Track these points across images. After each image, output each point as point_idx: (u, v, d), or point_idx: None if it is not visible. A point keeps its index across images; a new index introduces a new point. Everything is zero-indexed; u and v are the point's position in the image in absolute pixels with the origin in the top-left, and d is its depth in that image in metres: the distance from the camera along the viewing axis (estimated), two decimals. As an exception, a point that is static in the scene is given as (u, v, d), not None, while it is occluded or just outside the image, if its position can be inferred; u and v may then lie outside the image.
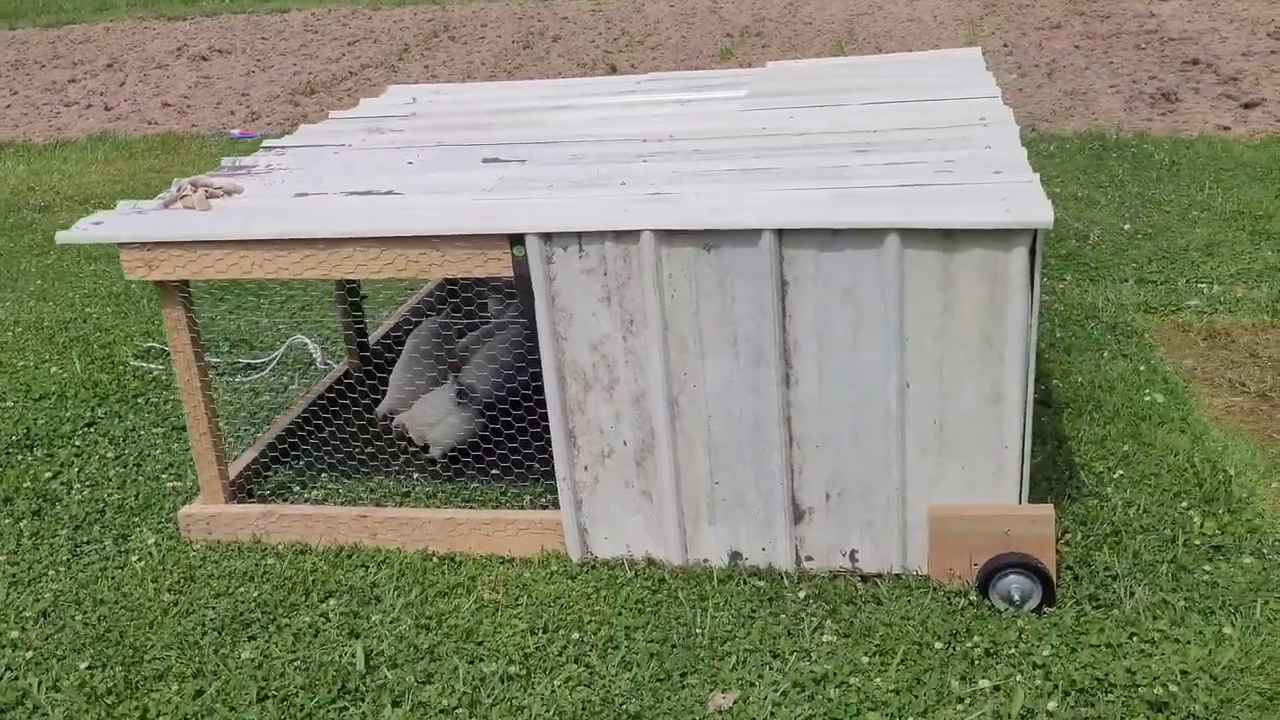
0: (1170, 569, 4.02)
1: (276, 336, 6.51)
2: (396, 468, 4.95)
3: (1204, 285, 6.48)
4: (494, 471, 4.81)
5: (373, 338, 6.09)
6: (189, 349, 4.37)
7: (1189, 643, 3.66)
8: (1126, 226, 7.48)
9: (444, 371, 5.16)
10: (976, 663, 3.64)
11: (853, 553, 4.12)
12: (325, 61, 15.86)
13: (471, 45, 16.38)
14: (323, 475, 4.92)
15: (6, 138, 12.89)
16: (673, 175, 4.35)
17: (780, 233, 3.76)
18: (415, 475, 4.90)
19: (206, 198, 4.43)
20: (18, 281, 7.84)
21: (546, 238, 3.91)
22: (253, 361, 6.24)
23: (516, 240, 3.94)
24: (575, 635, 3.87)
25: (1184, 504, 4.39)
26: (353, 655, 3.80)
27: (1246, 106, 10.53)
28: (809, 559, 4.16)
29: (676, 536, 4.19)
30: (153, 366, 6.19)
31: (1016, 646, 3.69)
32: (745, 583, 4.09)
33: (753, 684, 3.61)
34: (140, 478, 5.06)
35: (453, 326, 5.60)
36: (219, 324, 6.74)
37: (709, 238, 3.82)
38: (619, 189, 4.23)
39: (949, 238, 3.69)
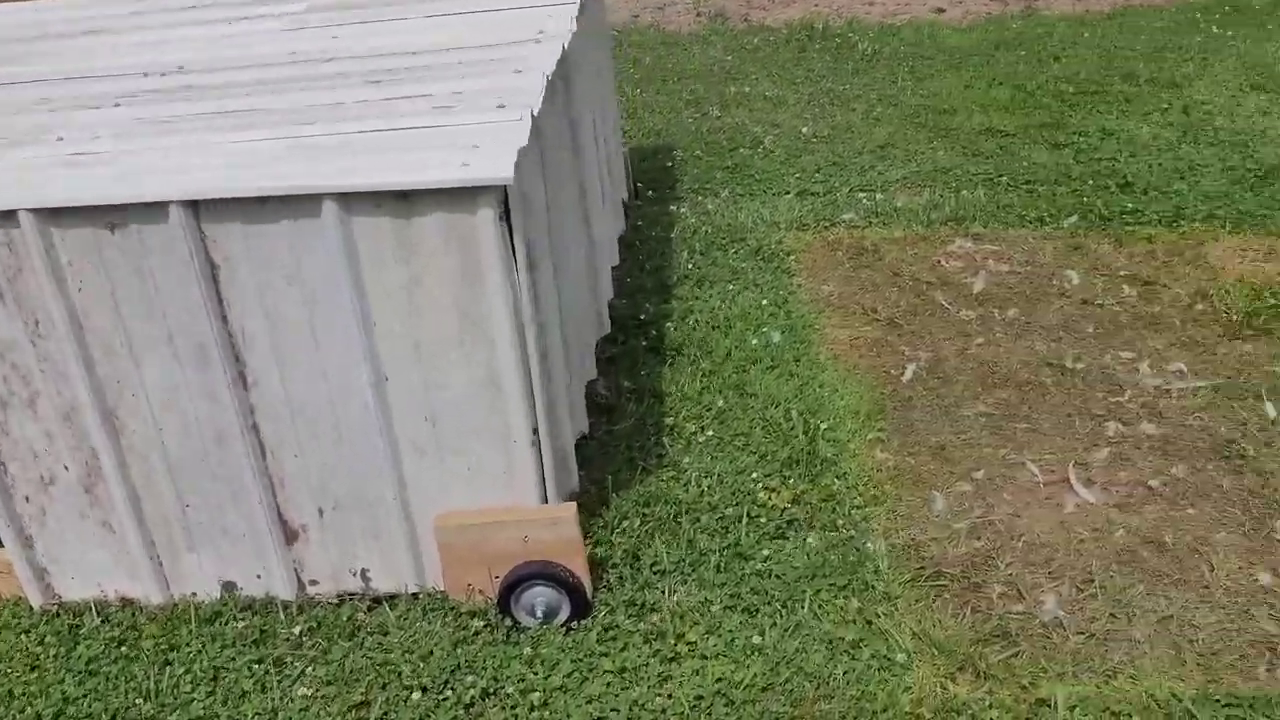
0: (723, 558, 3.49)
1: None
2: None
3: (864, 195, 5.97)
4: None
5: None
6: None
7: (714, 658, 3.14)
8: (805, 129, 6.91)
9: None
10: (468, 709, 3.06)
11: (364, 572, 3.48)
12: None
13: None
14: None
15: None
16: (130, 125, 3.52)
17: (195, 205, 3.00)
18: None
19: None
20: None
21: (-96, 226, 3.07)
22: None
23: None
24: (-6, 717, 3.15)
25: (763, 470, 3.87)
26: None
27: (966, -15, 10.06)
28: (314, 583, 3.50)
29: (151, 570, 3.47)
30: None
31: (521, 682, 3.12)
32: (235, 620, 3.42)
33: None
34: None
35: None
36: None
37: (109, 215, 3.02)
38: (52, 147, 3.39)
39: (405, 200, 2.99)
